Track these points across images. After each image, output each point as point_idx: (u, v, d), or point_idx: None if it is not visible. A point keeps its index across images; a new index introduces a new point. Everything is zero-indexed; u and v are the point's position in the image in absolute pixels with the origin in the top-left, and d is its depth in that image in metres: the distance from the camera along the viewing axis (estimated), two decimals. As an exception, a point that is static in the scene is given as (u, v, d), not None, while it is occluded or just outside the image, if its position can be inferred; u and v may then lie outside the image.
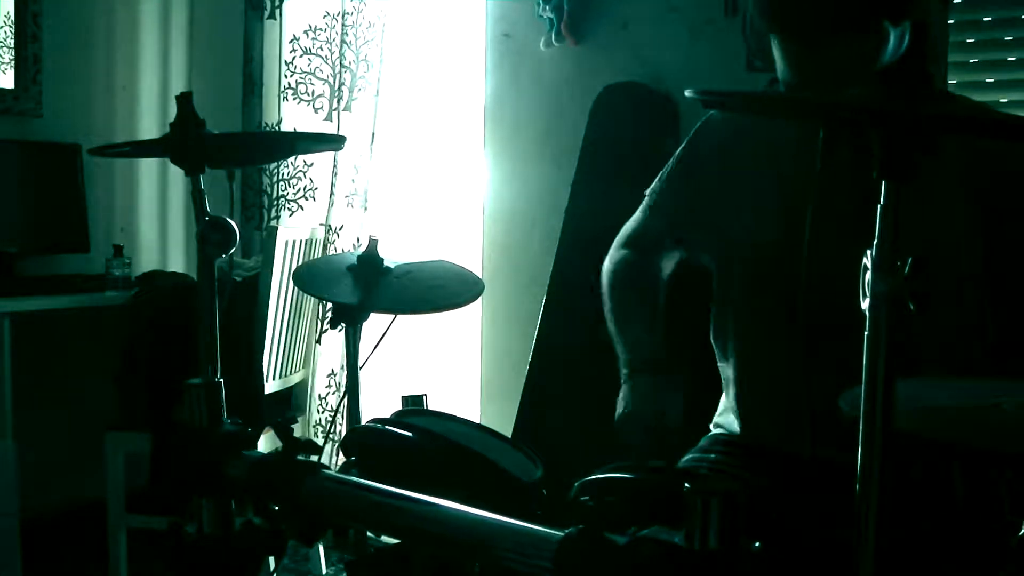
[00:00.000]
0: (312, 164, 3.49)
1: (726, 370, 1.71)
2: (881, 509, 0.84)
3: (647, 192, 1.82)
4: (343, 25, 3.38)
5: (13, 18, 3.44)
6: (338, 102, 3.42)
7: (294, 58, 3.47)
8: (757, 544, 0.83)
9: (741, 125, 1.66)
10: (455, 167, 3.58)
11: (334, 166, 3.37)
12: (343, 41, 3.38)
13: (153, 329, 3.12)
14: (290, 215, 3.49)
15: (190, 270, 3.77)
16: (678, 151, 1.78)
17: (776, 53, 1.52)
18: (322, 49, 3.46)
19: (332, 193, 3.37)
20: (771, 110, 1.31)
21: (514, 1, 3.14)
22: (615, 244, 1.86)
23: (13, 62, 3.45)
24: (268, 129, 3.50)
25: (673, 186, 1.78)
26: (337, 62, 3.44)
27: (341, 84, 3.40)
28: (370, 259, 1.73)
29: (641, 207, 1.83)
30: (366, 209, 3.42)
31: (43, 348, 3.35)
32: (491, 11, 3.22)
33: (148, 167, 3.86)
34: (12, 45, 3.45)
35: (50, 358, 3.44)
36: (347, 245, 3.36)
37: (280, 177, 3.49)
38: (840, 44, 1.46)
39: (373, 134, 3.38)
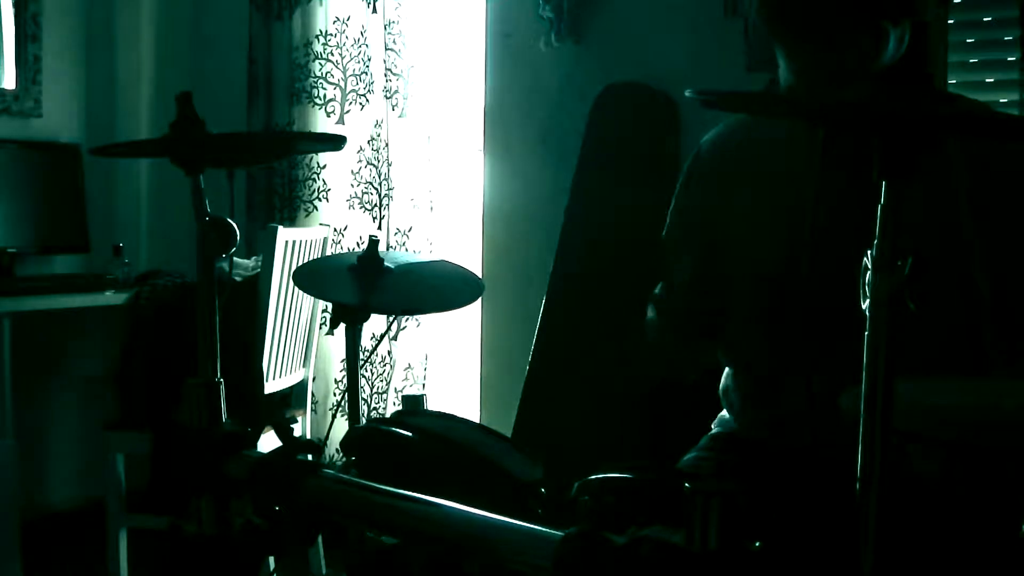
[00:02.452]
0: (325, 166, 3.47)
1: (727, 369, 1.71)
2: (881, 509, 0.84)
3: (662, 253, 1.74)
4: (387, 33, 3.42)
5: (13, 18, 3.44)
6: (393, 107, 3.45)
7: (307, 62, 3.45)
8: (757, 544, 0.83)
9: (736, 134, 1.66)
10: (455, 167, 3.58)
11: (385, 167, 3.46)
12: (389, 48, 3.43)
13: (153, 329, 3.12)
14: (307, 215, 3.49)
15: (190, 270, 3.77)
16: (673, 199, 1.72)
17: (778, 53, 1.53)
18: (333, 54, 3.45)
19: (381, 195, 3.44)
20: (771, 110, 1.31)
21: (514, 1, 3.14)
22: (650, 303, 1.76)
23: (13, 62, 3.46)
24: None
25: (682, 225, 1.71)
26: (377, 63, 3.45)
27: (394, 91, 3.44)
28: (370, 259, 1.73)
29: (664, 260, 1.74)
30: (432, 210, 3.49)
31: (43, 348, 3.35)
32: (491, 11, 3.22)
33: (148, 167, 3.85)
34: (12, 45, 3.45)
35: (50, 358, 3.44)
36: (417, 246, 3.46)
37: (294, 178, 3.49)
38: (840, 44, 1.46)
39: (429, 136, 3.45)
